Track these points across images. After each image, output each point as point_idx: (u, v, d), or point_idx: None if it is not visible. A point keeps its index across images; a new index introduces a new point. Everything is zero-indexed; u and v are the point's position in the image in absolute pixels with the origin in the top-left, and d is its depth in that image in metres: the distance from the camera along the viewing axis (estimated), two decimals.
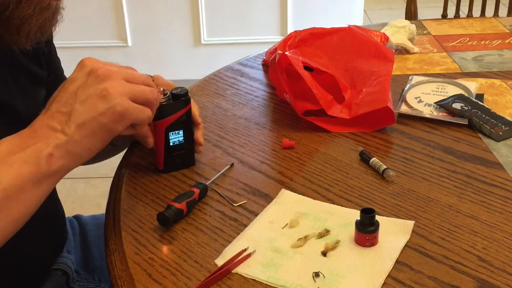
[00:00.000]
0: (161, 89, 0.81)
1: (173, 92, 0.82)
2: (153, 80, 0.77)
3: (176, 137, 0.83)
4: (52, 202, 0.98)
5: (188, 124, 0.84)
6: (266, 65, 1.22)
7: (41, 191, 0.66)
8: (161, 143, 0.83)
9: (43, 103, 0.94)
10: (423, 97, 1.05)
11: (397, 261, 0.67)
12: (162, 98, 0.80)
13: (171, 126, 0.82)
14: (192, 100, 0.85)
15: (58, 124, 0.65)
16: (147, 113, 0.70)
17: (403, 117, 0.99)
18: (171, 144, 0.84)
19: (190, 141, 0.85)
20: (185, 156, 0.86)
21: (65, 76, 1.02)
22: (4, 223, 0.63)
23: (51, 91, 1.00)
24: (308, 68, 1.00)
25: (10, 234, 0.65)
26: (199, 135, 0.86)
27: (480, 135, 0.94)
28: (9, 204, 0.63)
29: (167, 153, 0.84)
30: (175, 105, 0.82)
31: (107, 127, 0.66)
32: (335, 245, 0.69)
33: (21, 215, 0.65)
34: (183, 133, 0.84)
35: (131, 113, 0.67)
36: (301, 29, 1.13)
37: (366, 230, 0.69)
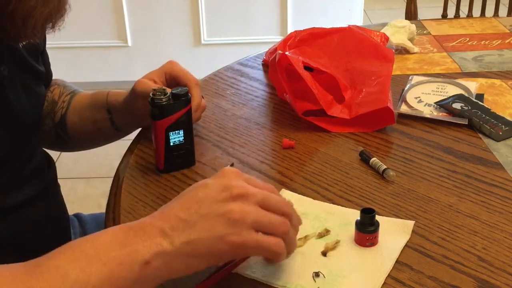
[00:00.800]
0: (162, 88, 0.81)
1: (173, 92, 0.82)
2: (175, 73, 0.85)
3: (177, 137, 0.83)
4: (58, 206, 0.99)
5: (188, 124, 0.84)
6: (266, 65, 1.22)
7: None
8: (161, 143, 0.83)
9: (43, 99, 0.95)
10: (423, 97, 1.05)
11: (397, 261, 0.67)
12: (162, 98, 0.80)
13: (172, 126, 0.82)
14: (195, 94, 0.87)
15: (170, 230, 0.58)
16: (273, 244, 0.60)
17: (403, 117, 0.99)
18: (171, 144, 0.84)
19: (190, 141, 0.85)
20: (185, 156, 0.86)
21: (51, 71, 1.03)
22: None
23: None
24: (308, 68, 1.00)
25: None
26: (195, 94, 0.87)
27: (480, 135, 0.94)
28: None
29: (167, 153, 0.84)
30: (175, 105, 0.82)
31: (218, 253, 0.59)
32: (335, 245, 0.69)
33: None
34: (183, 133, 0.84)
35: (250, 247, 0.59)
36: (301, 29, 1.13)
37: (366, 230, 0.69)
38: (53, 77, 1.05)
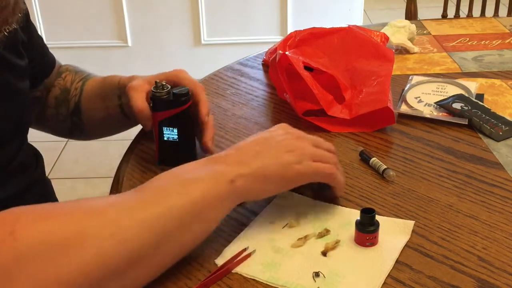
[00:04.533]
0: (163, 83, 0.83)
1: (174, 91, 0.82)
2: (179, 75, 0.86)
3: (170, 133, 0.84)
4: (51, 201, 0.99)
5: (183, 124, 0.84)
6: (266, 65, 1.22)
7: (224, 207, 0.69)
8: (155, 135, 0.85)
9: (28, 94, 0.93)
10: (423, 97, 1.05)
11: (397, 261, 0.67)
12: (161, 92, 0.82)
13: (165, 121, 0.84)
14: (202, 98, 0.86)
15: (245, 158, 0.70)
16: (328, 168, 0.74)
17: (403, 117, 0.99)
18: (164, 138, 0.85)
19: (185, 141, 0.85)
20: (181, 154, 0.86)
21: (51, 53, 1.02)
22: (194, 231, 0.66)
23: (41, 71, 0.99)
24: (308, 68, 1.00)
25: (192, 247, 0.67)
26: (207, 138, 0.86)
27: (480, 135, 0.94)
28: (198, 217, 0.66)
29: (161, 146, 0.86)
30: (170, 102, 0.82)
31: (285, 178, 0.72)
32: (335, 245, 0.69)
33: (202, 231, 0.67)
34: (178, 132, 0.84)
35: (309, 173, 0.73)
36: (301, 29, 1.13)
37: (366, 230, 0.69)
38: (65, 64, 1.05)
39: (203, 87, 0.88)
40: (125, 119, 0.97)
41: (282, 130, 0.76)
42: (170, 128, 0.84)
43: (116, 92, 0.96)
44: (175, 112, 0.83)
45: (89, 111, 1.01)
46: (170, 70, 0.89)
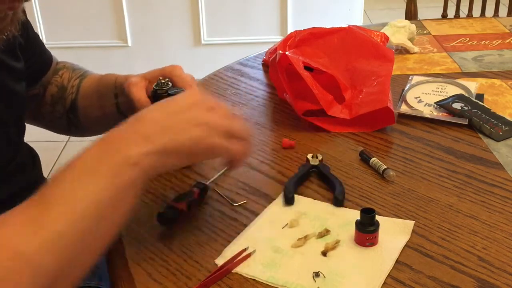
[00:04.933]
0: (165, 80, 0.83)
1: (169, 92, 0.83)
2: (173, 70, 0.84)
3: None
4: None
5: None
6: (266, 65, 1.22)
7: (131, 197, 0.64)
8: None
9: (24, 96, 0.93)
10: (423, 97, 1.05)
11: (397, 261, 0.67)
12: (162, 90, 0.83)
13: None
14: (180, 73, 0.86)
15: (150, 132, 0.64)
16: (238, 148, 0.69)
17: (403, 117, 0.99)
18: None
19: None
20: None
21: (48, 50, 1.02)
22: (105, 230, 0.62)
23: (39, 69, 0.99)
24: (308, 68, 1.00)
25: (110, 240, 0.63)
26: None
27: (480, 135, 0.94)
28: (105, 216, 0.61)
29: None
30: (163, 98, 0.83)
31: (193, 154, 0.67)
32: (335, 245, 0.69)
33: (116, 222, 0.63)
34: None
35: (218, 149, 0.68)
36: (301, 29, 1.13)
37: (366, 230, 0.69)
38: (61, 61, 1.04)
39: (195, 82, 0.88)
40: (121, 117, 0.98)
41: (191, 99, 0.69)
42: None
43: (113, 90, 0.96)
44: None
45: (86, 109, 1.00)
46: (166, 66, 0.89)
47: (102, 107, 0.98)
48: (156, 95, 0.83)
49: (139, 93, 0.85)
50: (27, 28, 0.95)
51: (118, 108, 0.96)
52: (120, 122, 1.00)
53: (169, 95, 0.82)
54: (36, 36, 0.99)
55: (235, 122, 0.70)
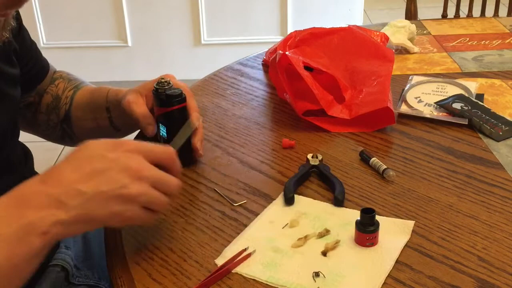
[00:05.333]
0: (166, 80, 0.84)
1: (166, 92, 0.83)
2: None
3: (163, 131, 0.86)
4: None
5: (172, 124, 0.85)
6: (266, 65, 1.22)
7: (34, 263, 0.61)
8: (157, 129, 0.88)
9: (19, 102, 0.93)
10: (423, 97, 1.05)
11: (397, 261, 0.67)
12: (162, 89, 0.84)
13: (159, 118, 0.86)
14: (192, 105, 0.86)
15: (66, 199, 0.60)
16: (162, 204, 0.66)
17: (403, 117, 0.99)
18: (161, 134, 0.87)
19: (173, 141, 0.86)
20: None
21: (45, 58, 1.02)
22: None
23: (34, 77, 0.99)
24: (308, 68, 1.00)
25: None
26: (196, 139, 0.86)
27: (480, 135, 0.94)
28: (4, 281, 0.58)
29: (158, 141, 0.87)
30: (162, 100, 0.84)
31: (109, 223, 0.64)
32: (335, 245, 0.69)
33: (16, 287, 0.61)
34: (166, 130, 0.86)
35: (134, 220, 0.65)
36: (301, 29, 1.13)
37: (366, 230, 0.69)
38: (59, 70, 1.04)
39: (191, 94, 0.89)
40: (114, 131, 0.99)
41: (122, 163, 0.63)
42: (163, 126, 0.86)
43: (104, 104, 0.97)
44: (165, 111, 0.84)
45: (79, 121, 1.01)
46: (159, 76, 0.89)
47: (95, 119, 0.99)
48: (156, 94, 0.84)
49: (141, 109, 0.86)
50: (23, 35, 0.95)
51: (111, 121, 0.97)
52: (113, 135, 1.00)
53: (166, 95, 0.83)
54: (33, 44, 0.99)
55: (158, 172, 0.65)
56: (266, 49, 1.25)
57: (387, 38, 1.23)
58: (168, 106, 0.84)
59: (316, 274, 0.65)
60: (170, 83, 0.84)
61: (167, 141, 0.86)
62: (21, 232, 0.58)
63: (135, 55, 3.12)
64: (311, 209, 0.76)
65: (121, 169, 0.62)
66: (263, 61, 1.25)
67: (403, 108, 1.02)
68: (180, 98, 0.84)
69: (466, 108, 0.99)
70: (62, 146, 2.57)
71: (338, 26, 1.11)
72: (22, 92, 0.93)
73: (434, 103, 1.02)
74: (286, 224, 0.74)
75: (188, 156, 0.87)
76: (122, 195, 0.62)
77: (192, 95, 0.89)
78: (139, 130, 0.99)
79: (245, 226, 0.74)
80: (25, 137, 0.95)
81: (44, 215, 0.59)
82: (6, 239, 0.57)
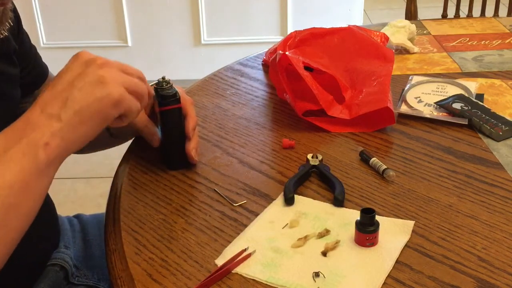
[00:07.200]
0: (166, 80, 0.84)
1: (161, 93, 0.83)
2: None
3: (160, 130, 0.86)
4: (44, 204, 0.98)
5: (165, 124, 0.85)
6: (266, 65, 1.22)
7: (44, 181, 0.65)
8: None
9: (19, 103, 0.93)
10: (423, 97, 1.05)
11: (397, 261, 0.67)
12: (162, 88, 0.83)
13: (157, 116, 0.86)
14: (190, 112, 0.86)
15: (54, 110, 0.65)
16: (137, 105, 0.70)
17: (403, 117, 0.99)
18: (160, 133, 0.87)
19: (168, 142, 0.86)
20: (166, 154, 0.88)
21: (44, 64, 1.03)
22: (17, 220, 0.63)
23: (32, 81, 1.00)
24: (308, 68, 1.00)
25: (25, 230, 0.65)
26: (191, 147, 0.86)
27: (480, 135, 0.94)
28: (18, 200, 0.62)
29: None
30: (159, 100, 0.83)
31: (103, 113, 0.67)
32: (335, 245, 0.69)
33: (30, 209, 0.65)
34: (161, 131, 0.86)
35: (125, 101, 0.68)
36: (301, 29, 1.13)
37: (366, 230, 0.69)
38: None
39: (191, 100, 0.88)
40: (111, 138, 0.98)
41: (81, 61, 0.68)
42: (159, 125, 0.86)
43: None
44: (159, 111, 0.84)
45: None
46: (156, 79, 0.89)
47: None
48: (156, 94, 0.84)
49: (142, 119, 0.86)
50: (22, 38, 0.95)
51: (108, 129, 0.97)
52: (110, 142, 1.00)
53: (163, 96, 0.83)
54: (32, 48, 0.99)
55: (132, 74, 0.70)
56: (266, 49, 1.25)
57: (387, 38, 1.23)
58: (162, 105, 0.83)
59: (316, 274, 0.65)
60: (169, 83, 0.84)
61: (163, 142, 0.86)
62: (26, 148, 0.62)
63: (135, 55, 3.12)
64: (311, 209, 0.76)
65: (86, 64, 0.67)
66: (263, 61, 1.25)
67: (403, 108, 1.02)
68: (174, 98, 0.83)
69: (466, 108, 0.99)
70: None
71: (338, 26, 1.11)
72: (20, 96, 0.93)
73: (434, 103, 1.02)
74: (286, 224, 0.74)
75: (169, 158, 0.87)
76: (100, 77, 0.66)
77: (191, 101, 0.88)
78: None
79: (245, 226, 0.74)
80: None
81: (40, 130, 0.63)
82: (13, 156, 0.62)
